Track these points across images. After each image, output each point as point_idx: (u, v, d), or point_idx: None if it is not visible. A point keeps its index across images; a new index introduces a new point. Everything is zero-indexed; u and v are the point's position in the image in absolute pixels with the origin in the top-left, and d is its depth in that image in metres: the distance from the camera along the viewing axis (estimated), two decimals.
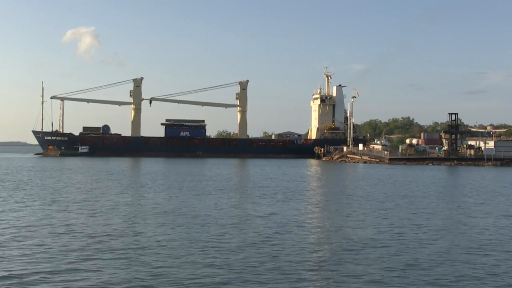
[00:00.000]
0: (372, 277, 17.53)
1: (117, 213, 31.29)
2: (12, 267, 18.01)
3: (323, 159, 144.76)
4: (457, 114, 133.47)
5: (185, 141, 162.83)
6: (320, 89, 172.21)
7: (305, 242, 23.44)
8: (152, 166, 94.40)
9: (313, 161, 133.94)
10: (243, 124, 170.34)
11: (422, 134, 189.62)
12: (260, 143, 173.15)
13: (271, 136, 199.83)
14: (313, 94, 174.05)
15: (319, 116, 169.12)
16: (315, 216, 32.06)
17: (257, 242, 22.92)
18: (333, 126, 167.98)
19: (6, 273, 17.16)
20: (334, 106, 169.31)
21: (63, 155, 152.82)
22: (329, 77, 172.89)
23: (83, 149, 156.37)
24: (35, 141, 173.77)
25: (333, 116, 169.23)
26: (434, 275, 17.98)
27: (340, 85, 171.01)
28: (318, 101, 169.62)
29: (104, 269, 18.00)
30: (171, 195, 42.12)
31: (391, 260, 19.85)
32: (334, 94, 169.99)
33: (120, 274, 17.34)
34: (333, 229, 27.04)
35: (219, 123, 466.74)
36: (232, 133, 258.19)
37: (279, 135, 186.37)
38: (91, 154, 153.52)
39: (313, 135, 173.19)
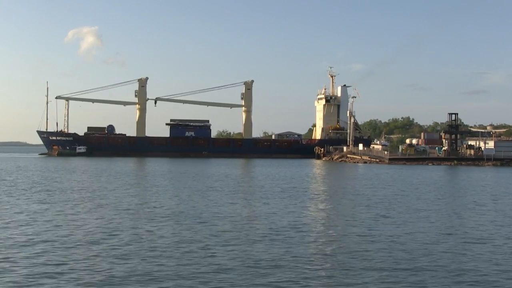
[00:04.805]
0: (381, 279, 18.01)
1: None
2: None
3: (323, 159, 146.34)
4: (457, 114, 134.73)
5: (190, 141, 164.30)
6: (324, 89, 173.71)
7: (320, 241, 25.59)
8: (169, 166, 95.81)
9: (317, 162, 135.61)
10: (248, 124, 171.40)
11: (422, 134, 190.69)
12: (265, 143, 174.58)
13: (271, 136, 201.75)
14: (318, 94, 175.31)
15: (324, 116, 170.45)
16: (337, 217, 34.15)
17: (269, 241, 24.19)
18: (338, 126, 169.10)
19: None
20: (339, 106, 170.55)
21: (60, 155, 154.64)
22: (333, 77, 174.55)
23: (81, 149, 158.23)
24: (36, 141, 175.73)
25: (338, 116, 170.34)
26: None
27: (344, 85, 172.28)
28: (323, 101, 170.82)
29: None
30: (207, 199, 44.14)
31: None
32: (339, 94, 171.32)
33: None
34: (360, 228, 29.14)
35: (223, 123, 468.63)
36: (232, 133, 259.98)
37: (279, 135, 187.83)
38: (89, 154, 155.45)
39: (317, 135, 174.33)
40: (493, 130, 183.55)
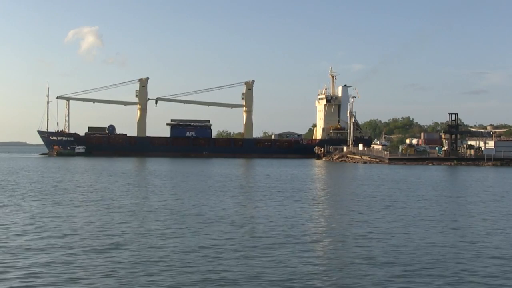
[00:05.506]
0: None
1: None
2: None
3: (323, 159, 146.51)
4: (457, 114, 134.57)
5: (191, 141, 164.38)
6: (325, 89, 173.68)
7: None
8: (169, 167, 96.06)
9: (317, 162, 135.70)
10: (248, 124, 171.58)
11: (422, 134, 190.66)
12: (266, 143, 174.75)
13: (271, 136, 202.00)
14: (318, 94, 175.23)
15: (325, 116, 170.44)
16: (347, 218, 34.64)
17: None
18: (338, 126, 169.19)
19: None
20: (339, 106, 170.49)
21: (59, 155, 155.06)
22: (334, 77, 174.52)
23: (80, 149, 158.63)
24: (35, 141, 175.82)
25: (339, 116, 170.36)
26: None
27: (345, 85, 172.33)
28: (324, 101, 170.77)
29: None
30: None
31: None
32: (340, 94, 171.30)
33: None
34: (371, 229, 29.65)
35: (224, 123, 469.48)
36: (232, 133, 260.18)
37: (279, 135, 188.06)
38: (88, 154, 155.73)
39: (318, 135, 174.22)
40: (493, 130, 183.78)
